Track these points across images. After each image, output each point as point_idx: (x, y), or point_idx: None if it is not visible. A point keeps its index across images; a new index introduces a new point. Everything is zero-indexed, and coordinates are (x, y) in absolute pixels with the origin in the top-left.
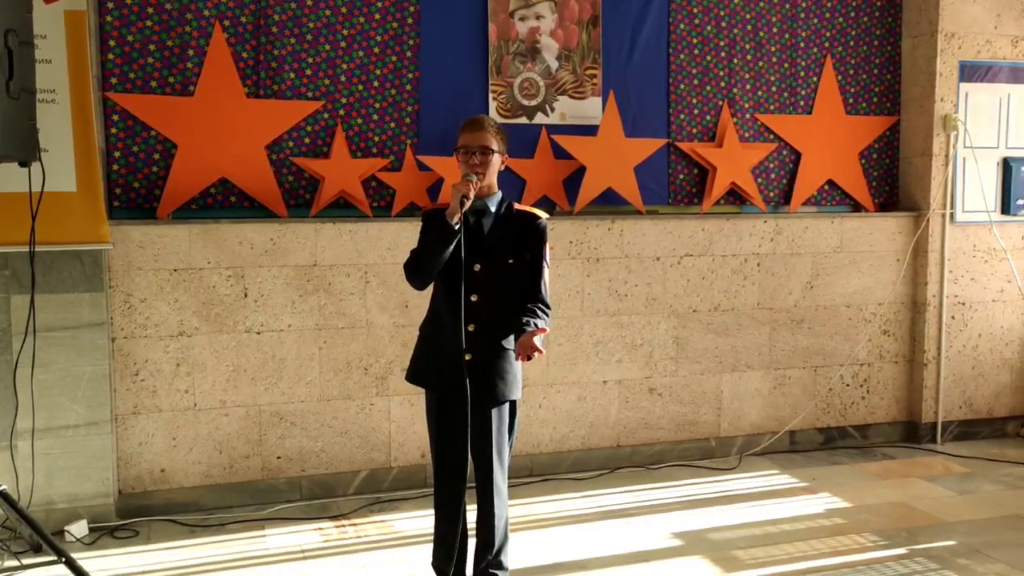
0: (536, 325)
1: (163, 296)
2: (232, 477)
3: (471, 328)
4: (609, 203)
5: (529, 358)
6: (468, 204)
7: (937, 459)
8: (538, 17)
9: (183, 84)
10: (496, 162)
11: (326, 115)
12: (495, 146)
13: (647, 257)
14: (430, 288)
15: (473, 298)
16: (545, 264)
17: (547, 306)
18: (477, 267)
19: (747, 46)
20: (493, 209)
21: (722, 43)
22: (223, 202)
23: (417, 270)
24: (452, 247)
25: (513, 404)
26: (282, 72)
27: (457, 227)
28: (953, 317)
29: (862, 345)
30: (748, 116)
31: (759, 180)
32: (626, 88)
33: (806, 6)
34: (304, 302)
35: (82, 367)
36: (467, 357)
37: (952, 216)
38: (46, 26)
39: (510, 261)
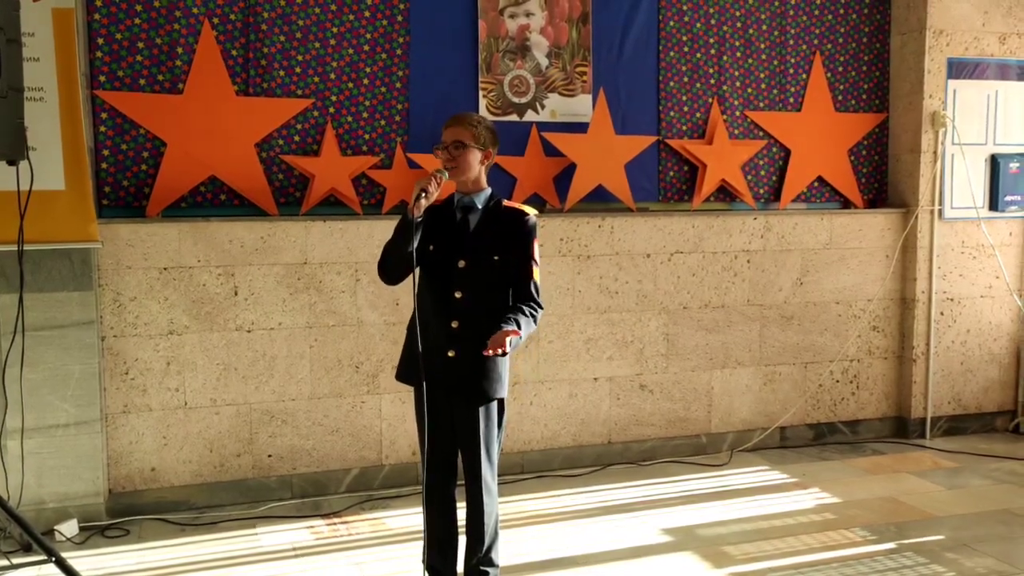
0: (517, 324)
1: (153, 295)
2: (223, 476)
3: (454, 325)
4: (600, 200)
5: (493, 353)
6: (429, 198)
7: (926, 454)
8: (528, 15)
9: (172, 82)
10: (473, 158)
11: (316, 113)
12: (469, 141)
13: (637, 254)
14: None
15: (457, 294)
16: (534, 262)
17: (539, 305)
18: (462, 263)
19: (736, 43)
20: (480, 205)
21: (712, 40)
22: (213, 200)
23: (382, 264)
24: (415, 242)
25: (501, 402)
26: (272, 70)
27: (419, 220)
28: (942, 313)
29: (851, 341)
30: (738, 113)
31: (749, 177)
32: (616, 85)
33: (795, 3)
34: (295, 300)
35: (71, 366)
36: (450, 354)
37: (940, 212)
38: (34, 24)
39: (495, 258)
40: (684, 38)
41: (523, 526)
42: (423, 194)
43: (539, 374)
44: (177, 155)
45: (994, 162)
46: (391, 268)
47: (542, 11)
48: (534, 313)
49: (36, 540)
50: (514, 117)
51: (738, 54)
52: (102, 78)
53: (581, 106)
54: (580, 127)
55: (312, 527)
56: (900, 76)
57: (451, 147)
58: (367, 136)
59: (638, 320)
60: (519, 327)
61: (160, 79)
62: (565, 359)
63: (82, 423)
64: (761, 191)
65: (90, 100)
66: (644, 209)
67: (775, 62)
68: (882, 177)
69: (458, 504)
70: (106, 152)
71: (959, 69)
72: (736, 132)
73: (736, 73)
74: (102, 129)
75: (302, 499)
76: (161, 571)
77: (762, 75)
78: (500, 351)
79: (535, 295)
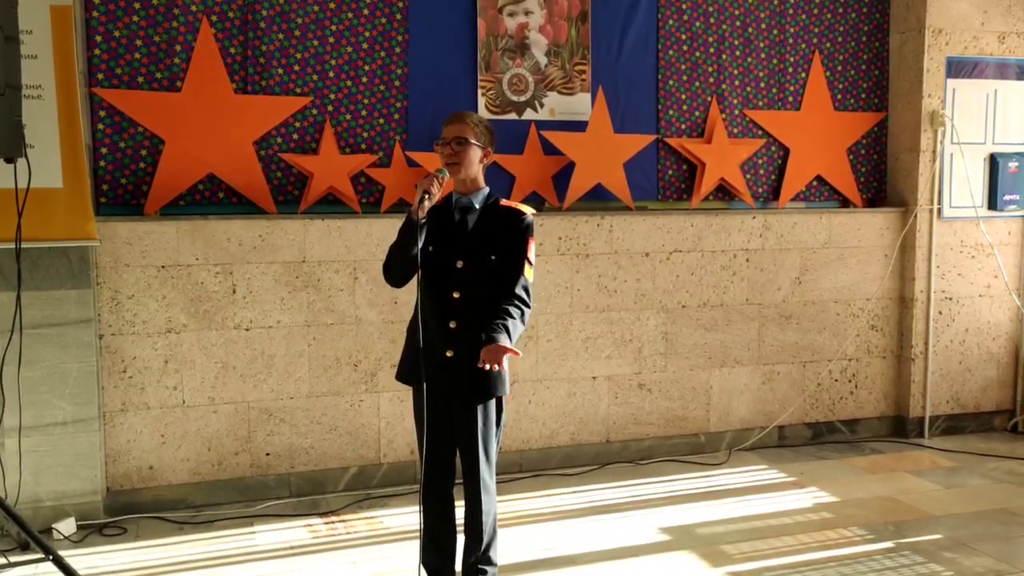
0: (506, 331)
1: (151, 293)
2: (221, 474)
3: (453, 325)
4: (598, 199)
5: (490, 368)
6: (432, 199)
7: (924, 453)
8: (527, 13)
9: (170, 80)
10: (475, 155)
11: (314, 111)
12: (472, 138)
13: (636, 253)
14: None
15: (455, 295)
16: (528, 261)
17: (526, 303)
18: (460, 263)
19: (736, 42)
20: (478, 205)
21: (711, 39)
22: (211, 198)
23: (387, 267)
24: (420, 243)
25: (499, 400)
26: (270, 68)
27: (423, 221)
28: (940, 312)
29: (850, 340)
30: (737, 112)
31: (748, 176)
32: (615, 84)
33: (794, 2)
34: (293, 298)
35: (69, 364)
36: (448, 354)
37: (939, 212)
38: (32, 21)
39: (493, 258)
40: (683, 37)
41: (521, 525)
42: (426, 195)
43: (537, 373)
44: (175, 153)
45: (993, 161)
46: (396, 270)
47: (541, 9)
48: (522, 311)
49: (34, 538)
50: (513, 116)
51: (737, 53)
52: (100, 75)
53: (580, 105)
54: (579, 126)
55: (310, 525)
56: (899, 75)
57: (453, 143)
58: (366, 134)
59: (637, 319)
60: (509, 335)
61: (158, 77)
62: (564, 358)
63: (80, 421)
64: (760, 190)
65: (88, 98)
66: (643, 208)
67: (774, 61)
68: (881, 176)
69: (456, 503)
70: (104, 150)
71: (958, 68)
72: (735, 131)
73: (735, 72)
74: (100, 127)
75: (300, 498)
76: (158, 569)
77: (761, 74)
78: (496, 367)
79: (522, 293)
